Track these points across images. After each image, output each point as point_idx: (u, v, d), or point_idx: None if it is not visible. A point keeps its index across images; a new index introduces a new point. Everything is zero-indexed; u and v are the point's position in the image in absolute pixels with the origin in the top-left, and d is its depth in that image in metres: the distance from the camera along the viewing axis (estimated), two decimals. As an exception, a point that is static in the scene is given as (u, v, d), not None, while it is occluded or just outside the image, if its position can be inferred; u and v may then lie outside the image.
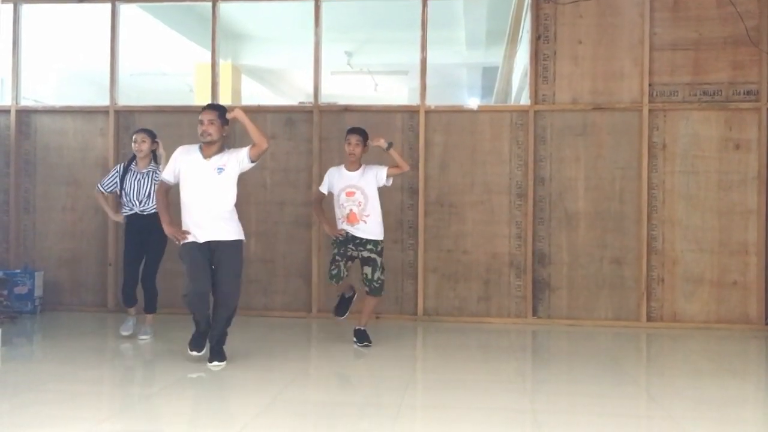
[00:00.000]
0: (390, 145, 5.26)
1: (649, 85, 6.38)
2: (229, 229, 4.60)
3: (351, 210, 5.21)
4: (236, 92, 11.70)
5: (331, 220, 5.35)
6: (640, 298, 6.34)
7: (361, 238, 5.22)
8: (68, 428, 3.35)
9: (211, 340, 4.64)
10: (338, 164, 5.45)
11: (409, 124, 6.63)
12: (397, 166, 5.27)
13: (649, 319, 6.33)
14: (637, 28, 6.41)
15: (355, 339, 5.28)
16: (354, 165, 5.31)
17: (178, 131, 6.63)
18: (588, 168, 6.43)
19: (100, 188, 5.57)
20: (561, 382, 4.46)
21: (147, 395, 4.00)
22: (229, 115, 4.58)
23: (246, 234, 6.65)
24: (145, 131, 5.53)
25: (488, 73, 12.33)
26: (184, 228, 4.57)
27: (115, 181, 5.52)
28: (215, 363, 4.54)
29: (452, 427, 3.42)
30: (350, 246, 5.24)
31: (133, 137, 5.51)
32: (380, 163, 5.36)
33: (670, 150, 6.37)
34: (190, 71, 11.61)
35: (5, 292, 6.35)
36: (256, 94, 13.12)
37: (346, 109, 6.78)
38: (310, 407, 3.84)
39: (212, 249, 4.55)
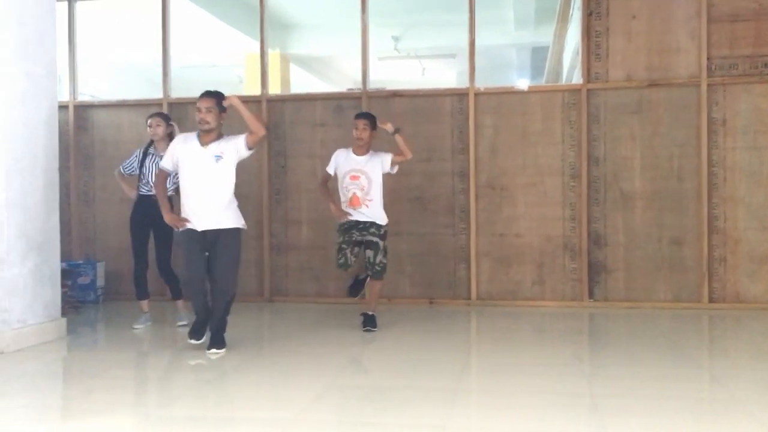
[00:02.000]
0: (397, 130, 5.28)
1: (708, 58, 6.16)
2: (227, 218, 4.60)
3: (354, 193, 5.26)
4: (285, 81, 11.80)
5: (338, 203, 5.38)
6: (701, 278, 6.16)
7: (364, 222, 5.26)
8: (132, 413, 3.44)
9: (210, 328, 4.67)
10: (347, 147, 5.47)
11: (458, 108, 6.56)
12: (401, 154, 5.28)
13: (710, 300, 6.15)
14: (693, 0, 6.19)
15: (362, 323, 5.36)
16: (362, 149, 5.34)
17: (230, 121, 6.68)
18: (644, 146, 6.26)
19: (121, 170, 5.69)
20: (619, 365, 4.37)
21: (207, 380, 4.08)
22: (225, 103, 4.60)
23: (297, 221, 6.83)
24: (160, 115, 5.62)
25: (538, 52, 12.14)
26: (183, 215, 4.64)
27: (134, 164, 5.63)
28: (213, 350, 4.56)
29: (509, 412, 3.39)
30: (354, 232, 5.29)
31: (148, 122, 5.58)
32: (388, 151, 5.38)
33: (730, 125, 6.15)
34: (239, 62, 11.75)
35: (69, 283, 6.56)
36: (304, 83, 13.20)
37: (395, 95, 6.76)
38: (366, 392, 3.86)
39: (210, 238, 4.58)
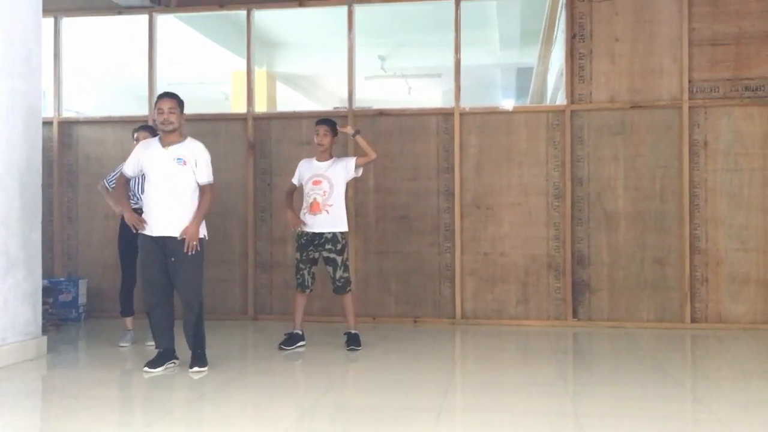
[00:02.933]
0: (356, 132, 5.40)
1: (689, 81, 6.26)
2: (184, 225, 4.55)
3: (315, 199, 5.30)
4: (271, 99, 11.81)
5: (296, 212, 5.42)
6: (683, 298, 6.22)
7: (320, 236, 5.27)
8: (113, 433, 3.40)
9: (188, 345, 4.64)
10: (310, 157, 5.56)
11: (444, 127, 6.60)
12: (365, 155, 5.35)
13: (693, 320, 6.20)
14: (675, 24, 6.30)
15: (346, 342, 5.35)
16: (324, 155, 5.42)
17: (215, 138, 6.71)
18: (627, 167, 6.33)
19: (105, 184, 5.59)
20: (603, 384, 4.39)
21: (190, 399, 4.04)
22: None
23: (282, 239, 6.81)
24: (147, 128, 5.56)
25: (523, 73, 12.24)
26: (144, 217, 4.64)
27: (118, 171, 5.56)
28: (196, 369, 4.53)
29: (493, 431, 3.38)
30: (311, 248, 5.31)
31: (135, 135, 5.51)
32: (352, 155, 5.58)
33: (711, 147, 6.24)
34: (226, 79, 11.75)
35: (50, 300, 6.49)
36: (291, 101, 13.23)
37: (381, 113, 6.79)
38: (351, 411, 3.85)
39: (167, 245, 4.54)
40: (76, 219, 7.14)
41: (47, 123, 6.89)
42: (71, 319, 6.68)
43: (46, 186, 7.03)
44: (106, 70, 11.92)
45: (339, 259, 5.27)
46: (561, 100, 6.91)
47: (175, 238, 4.52)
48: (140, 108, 7.31)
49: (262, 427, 3.49)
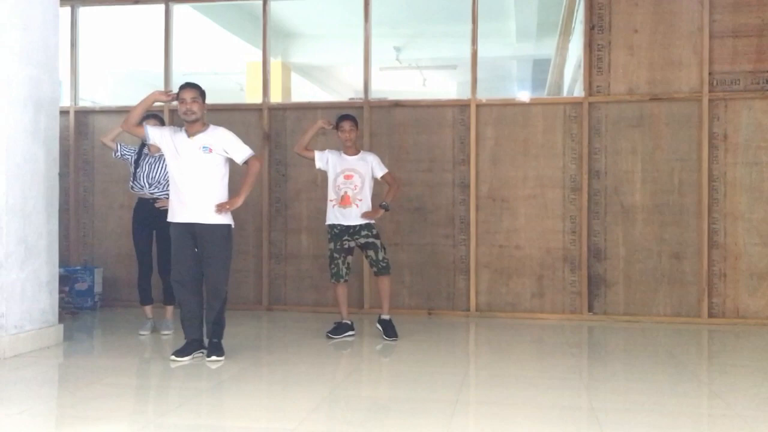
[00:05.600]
0: (386, 207, 5.40)
1: (709, 73, 6.18)
2: (214, 213, 4.57)
3: (346, 192, 5.35)
4: (286, 90, 11.81)
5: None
6: (701, 293, 6.15)
7: (354, 226, 5.32)
8: (129, 422, 3.42)
9: (207, 333, 4.67)
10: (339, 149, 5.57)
11: (460, 119, 6.56)
12: (390, 193, 5.47)
13: (710, 315, 6.14)
14: (695, 15, 6.21)
15: (380, 329, 5.37)
16: (351, 149, 5.47)
17: (230, 129, 6.66)
18: (645, 160, 6.27)
19: (117, 146, 5.58)
20: (619, 379, 4.35)
21: (205, 389, 4.05)
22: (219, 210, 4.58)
23: (297, 230, 6.81)
24: (155, 116, 5.58)
25: (539, 65, 12.16)
26: (171, 206, 4.66)
27: (130, 155, 5.57)
28: (213, 358, 4.56)
29: (508, 425, 3.37)
30: (345, 238, 5.35)
31: (143, 123, 5.55)
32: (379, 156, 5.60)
33: (731, 140, 6.16)
34: (241, 70, 11.76)
35: (66, 289, 6.53)
36: (305, 92, 13.22)
37: (397, 104, 6.76)
38: (365, 403, 3.84)
39: (198, 233, 4.56)
40: (91, 208, 7.17)
41: (64, 112, 6.91)
42: (87, 307, 6.72)
43: (63, 175, 7.06)
44: (122, 59, 11.95)
45: (378, 242, 5.36)
46: (578, 92, 6.84)
47: (205, 224, 4.55)
48: (156, 98, 7.31)
49: (278, 417, 3.49)
